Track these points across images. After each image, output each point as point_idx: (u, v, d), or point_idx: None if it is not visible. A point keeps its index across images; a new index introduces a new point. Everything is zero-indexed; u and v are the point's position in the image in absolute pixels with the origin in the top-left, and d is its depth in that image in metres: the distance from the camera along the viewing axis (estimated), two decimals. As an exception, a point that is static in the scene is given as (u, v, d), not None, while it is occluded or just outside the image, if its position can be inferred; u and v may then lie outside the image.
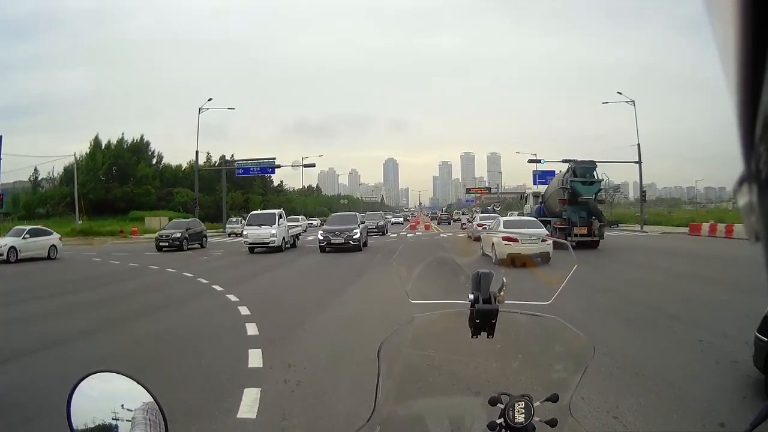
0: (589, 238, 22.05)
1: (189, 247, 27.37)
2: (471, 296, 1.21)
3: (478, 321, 1.19)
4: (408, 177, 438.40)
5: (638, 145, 47.60)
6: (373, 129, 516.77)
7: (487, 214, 44.61)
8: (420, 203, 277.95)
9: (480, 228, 28.46)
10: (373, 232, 33.34)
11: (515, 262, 2.31)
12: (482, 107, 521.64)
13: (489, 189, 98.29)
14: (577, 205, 22.92)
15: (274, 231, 22.97)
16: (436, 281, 1.59)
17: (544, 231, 16.58)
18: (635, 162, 47.91)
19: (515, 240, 14.33)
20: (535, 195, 31.60)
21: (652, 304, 9.39)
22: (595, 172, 24.26)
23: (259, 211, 27.78)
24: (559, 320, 1.29)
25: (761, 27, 0.31)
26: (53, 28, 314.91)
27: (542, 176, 58.69)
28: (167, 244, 26.95)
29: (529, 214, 27.26)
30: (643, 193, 50.69)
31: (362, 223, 25.19)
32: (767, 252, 0.37)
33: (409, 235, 35.18)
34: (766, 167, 0.34)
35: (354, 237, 22.34)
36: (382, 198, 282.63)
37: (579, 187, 23.21)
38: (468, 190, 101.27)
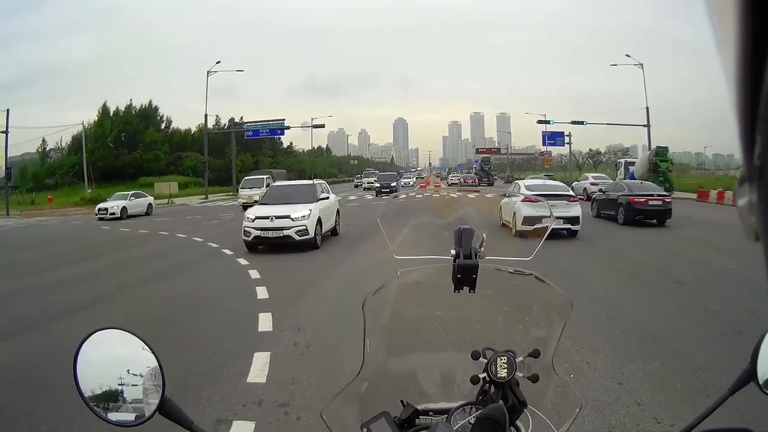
0: (487, 185, 56.58)
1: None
2: (453, 251, 1.24)
3: (459, 276, 1.23)
4: (418, 137, 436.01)
5: (647, 108, 46.75)
6: (383, 88, 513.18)
7: (458, 173, 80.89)
8: (430, 163, 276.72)
9: (451, 181, 59.71)
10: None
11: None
12: (492, 67, 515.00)
13: (499, 149, 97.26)
14: (483, 172, 66.09)
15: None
16: (420, 238, 1.61)
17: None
18: (644, 125, 47.07)
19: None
20: (476, 166, 77.43)
21: (659, 269, 9.40)
22: (490, 161, 76.47)
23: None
24: (538, 276, 1.31)
25: (761, 26, 0.31)
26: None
27: (551, 137, 57.40)
28: None
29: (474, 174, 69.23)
30: (651, 156, 50.05)
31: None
32: (767, 252, 0.36)
33: (417, 196, 35.14)
34: (766, 167, 0.34)
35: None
36: (392, 158, 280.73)
37: (484, 165, 71.27)
38: (477, 151, 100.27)
